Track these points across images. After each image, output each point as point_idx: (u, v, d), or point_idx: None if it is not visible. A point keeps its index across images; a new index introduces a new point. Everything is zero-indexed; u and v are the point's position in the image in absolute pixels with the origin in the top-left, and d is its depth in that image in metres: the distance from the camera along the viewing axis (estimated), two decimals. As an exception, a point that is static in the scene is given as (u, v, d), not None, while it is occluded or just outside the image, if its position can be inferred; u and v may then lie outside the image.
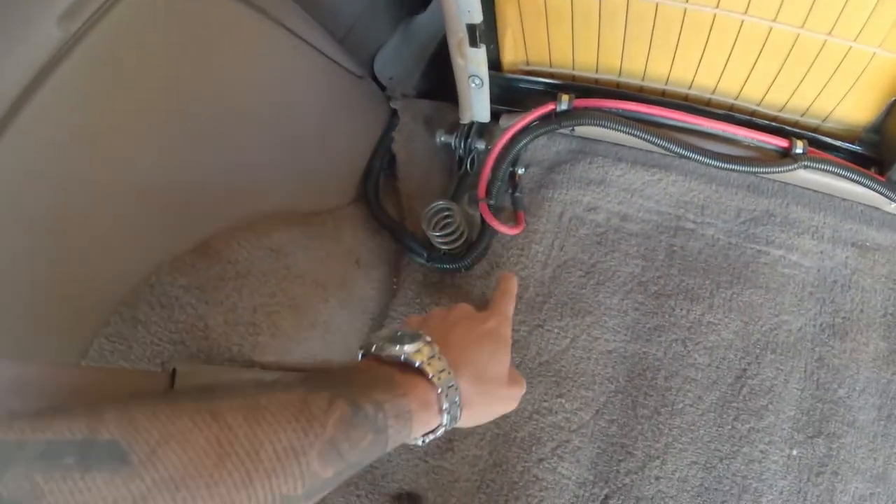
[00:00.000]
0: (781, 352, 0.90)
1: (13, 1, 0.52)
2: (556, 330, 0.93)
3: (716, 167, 0.92)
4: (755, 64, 0.89)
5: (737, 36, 0.85)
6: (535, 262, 0.97)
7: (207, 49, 0.70)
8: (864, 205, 0.99)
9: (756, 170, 0.92)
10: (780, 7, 0.79)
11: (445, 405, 0.49)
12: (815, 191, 1.00)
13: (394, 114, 1.08)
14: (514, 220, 0.99)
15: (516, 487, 0.84)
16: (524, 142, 0.95)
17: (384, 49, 1.12)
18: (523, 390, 0.63)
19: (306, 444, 0.37)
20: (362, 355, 0.52)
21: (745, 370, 0.89)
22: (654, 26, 0.87)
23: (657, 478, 0.84)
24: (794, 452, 0.84)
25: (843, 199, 0.99)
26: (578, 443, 0.86)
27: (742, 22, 0.83)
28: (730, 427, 0.86)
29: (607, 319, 0.93)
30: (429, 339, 0.51)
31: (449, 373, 0.50)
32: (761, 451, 0.84)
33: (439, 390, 0.49)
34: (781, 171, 0.91)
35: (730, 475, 0.83)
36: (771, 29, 0.82)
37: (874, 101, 0.89)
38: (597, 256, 0.97)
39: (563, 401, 0.88)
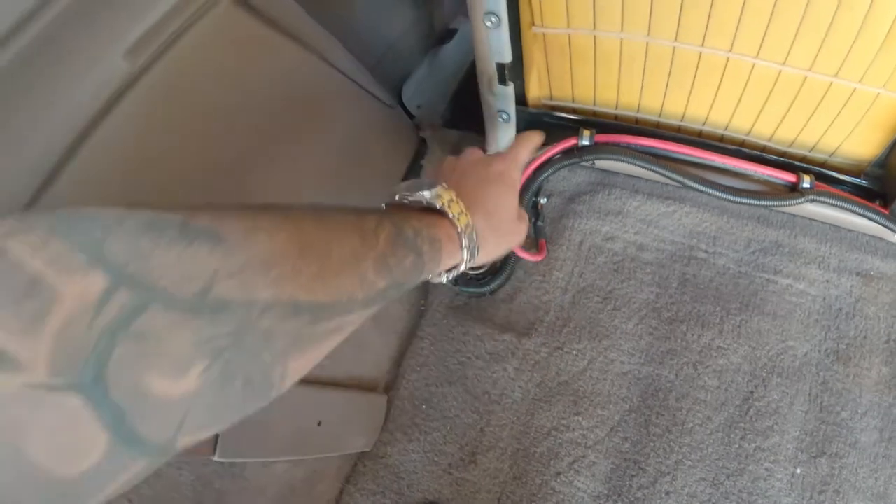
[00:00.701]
0: (787, 376, 0.94)
1: (84, 36, 0.54)
2: (574, 352, 0.98)
3: (727, 200, 0.96)
4: (765, 103, 0.93)
5: (748, 78, 0.89)
6: (556, 287, 1.02)
7: (255, 79, 0.74)
8: (869, 235, 1.03)
9: (766, 203, 0.96)
10: (790, 51, 0.83)
11: (465, 241, 0.53)
12: (821, 222, 1.04)
13: (422, 142, 1.13)
14: (537, 247, 1.03)
15: (535, 499, 0.89)
16: (547, 173, 0.99)
17: (412, 79, 1.17)
18: (528, 225, 0.67)
19: (363, 253, 0.40)
20: (386, 206, 0.54)
21: (752, 392, 0.93)
22: (671, 68, 0.92)
23: (667, 493, 0.88)
24: (798, 471, 0.88)
25: (849, 231, 1.03)
26: (594, 458, 0.91)
27: (753, 65, 0.87)
28: (737, 446, 0.90)
29: (623, 343, 0.98)
30: (445, 185, 0.54)
31: (465, 213, 0.53)
32: (766, 470, 0.88)
33: (459, 228, 0.52)
34: (790, 205, 0.95)
35: (736, 492, 0.87)
36: (780, 71, 0.87)
37: (879, 138, 0.92)
38: (614, 283, 1.02)
39: (581, 418, 0.93)
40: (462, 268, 0.54)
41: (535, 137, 0.74)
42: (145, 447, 0.27)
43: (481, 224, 0.56)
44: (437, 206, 0.52)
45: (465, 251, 0.53)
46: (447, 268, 0.53)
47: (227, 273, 0.30)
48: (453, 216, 0.52)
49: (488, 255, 0.59)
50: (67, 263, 0.25)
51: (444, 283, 0.55)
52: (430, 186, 0.53)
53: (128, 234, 0.28)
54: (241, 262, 0.31)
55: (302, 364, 0.35)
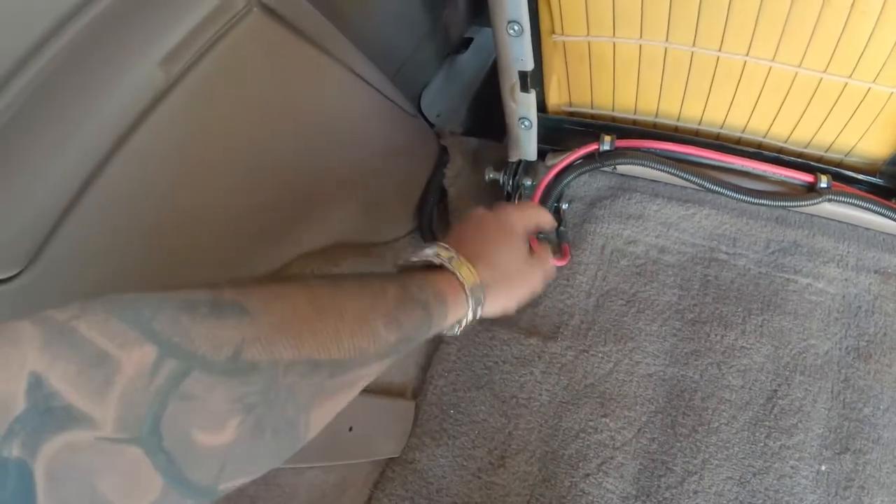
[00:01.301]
0: (810, 374, 0.94)
1: (120, 43, 0.56)
2: (600, 355, 0.99)
3: (746, 202, 0.98)
4: (782, 105, 0.94)
5: (765, 81, 0.91)
6: (580, 291, 1.04)
7: (286, 88, 0.75)
8: (886, 234, 1.04)
9: (784, 204, 0.97)
10: (805, 54, 0.85)
11: (468, 294, 0.55)
12: (839, 221, 1.05)
13: (443, 150, 1.14)
14: (560, 252, 1.05)
15: (564, 501, 0.90)
16: (568, 179, 1.01)
17: (430, 87, 1.18)
18: (546, 265, 0.67)
19: (374, 311, 0.44)
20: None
21: (775, 391, 0.94)
22: (689, 72, 0.93)
23: (695, 492, 0.89)
24: (823, 468, 0.88)
25: (866, 229, 1.04)
26: (622, 459, 0.91)
27: (770, 68, 0.88)
28: (762, 444, 0.90)
29: (647, 345, 0.99)
30: (444, 244, 0.57)
31: (468, 268, 0.55)
32: (792, 467, 0.89)
33: (460, 279, 0.54)
34: (808, 205, 0.96)
35: (762, 489, 0.88)
36: (796, 74, 0.88)
37: (893, 137, 0.93)
38: (637, 286, 1.03)
39: (608, 420, 0.94)
40: (470, 317, 0.56)
41: (543, 215, 0.74)
42: (192, 489, 0.32)
43: (487, 277, 0.57)
44: (437, 263, 0.55)
45: (469, 303, 0.55)
46: (455, 320, 0.55)
47: (253, 338, 0.35)
48: (455, 270, 0.55)
49: (501, 305, 0.61)
50: (125, 339, 0.31)
51: (457, 334, 0.57)
52: (429, 246, 0.56)
53: (170, 311, 0.33)
54: (264, 328, 0.36)
55: (323, 414, 0.40)
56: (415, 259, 0.56)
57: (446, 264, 0.55)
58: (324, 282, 0.44)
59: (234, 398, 0.33)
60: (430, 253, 0.55)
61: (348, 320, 0.41)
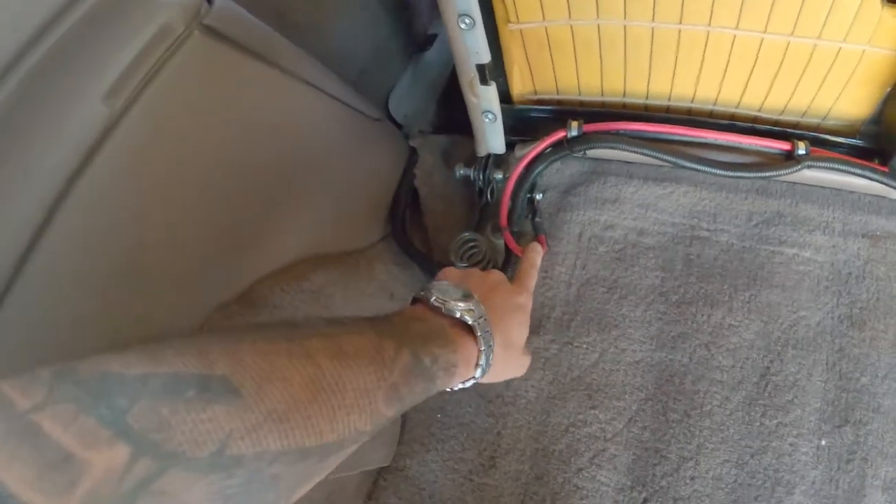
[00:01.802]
0: (802, 347, 0.92)
1: (61, 82, 0.54)
2: (584, 345, 0.97)
3: (724, 176, 0.95)
4: (751, 73, 0.92)
5: (731, 49, 0.89)
6: (560, 282, 1.02)
7: (236, 108, 0.74)
8: (871, 195, 1.01)
9: (763, 174, 0.95)
10: (769, 19, 0.83)
11: (482, 362, 0.53)
12: (821, 187, 1.02)
13: (413, 151, 1.12)
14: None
15: (558, 498, 0.88)
16: (539, 169, 0.99)
17: (396, 88, 1.17)
18: (530, 360, 0.69)
19: (376, 386, 0.41)
20: (413, 301, 0.56)
21: (768, 368, 0.92)
22: (652, 48, 0.91)
23: (692, 478, 0.87)
24: (823, 443, 0.87)
25: (850, 192, 1.02)
26: (614, 451, 0.90)
27: (735, 36, 0.86)
28: (758, 424, 0.89)
29: (632, 331, 0.97)
30: (477, 298, 0.54)
31: (490, 334, 0.54)
32: (791, 445, 0.87)
33: (481, 348, 0.53)
34: (787, 174, 0.94)
35: (762, 470, 0.86)
36: (762, 40, 0.86)
37: (870, 95, 0.91)
38: (618, 272, 1.01)
39: (597, 412, 0.92)
40: (469, 384, 0.55)
41: (538, 257, 0.75)
42: None
43: (498, 349, 0.56)
44: (469, 322, 0.53)
45: (479, 369, 0.54)
46: (454, 387, 0.54)
47: (242, 432, 0.33)
48: (480, 335, 0.53)
49: (490, 379, 0.60)
50: (95, 438, 0.28)
51: (449, 390, 0.55)
52: (465, 298, 0.54)
53: (150, 398, 0.30)
54: (255, 419, 0.33)
55: (304, 491, 0.38)
56: (446, 309, 0.53)
57: (476, 327, 0.53)
58: (328, 344, 0.41)
59: (212, 493, 0.31)
60: (463, 307, 0.53)
61: (348, 399, 0.39)
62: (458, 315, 0.52)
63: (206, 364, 0.34)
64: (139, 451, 0.29)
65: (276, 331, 0.40)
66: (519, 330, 0.62)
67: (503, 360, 0.59)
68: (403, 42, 1.18)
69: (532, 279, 0.71)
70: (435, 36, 1.23)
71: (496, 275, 0.65)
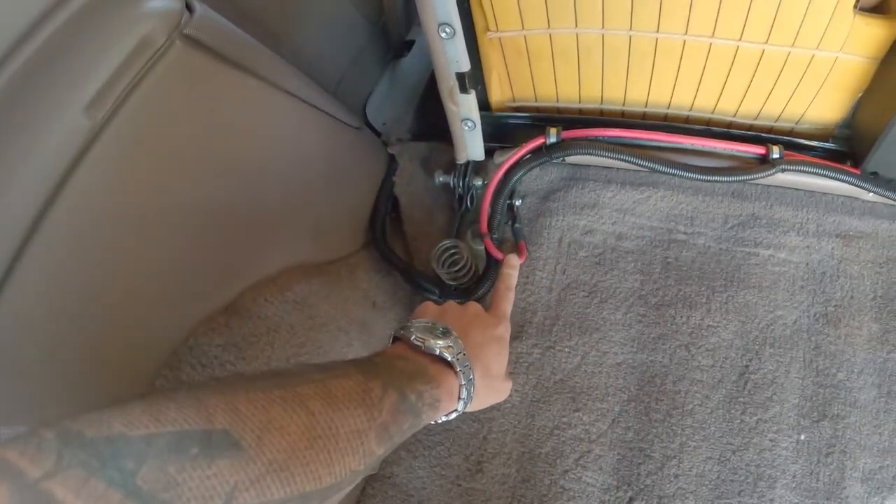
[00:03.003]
0: (780, 345, 0.94)
1: (40, 95, 0.54)
2: (566, 349, 0.98)
3: (701, 180, 0.97)
4: (727, 80, 0.94)
5: (706, 57, 0.90)
6: (541, 287, 1.03)
7: (217, 118, 0.74)
8: (844, 196, 1.03)
9: (738, 178, 0.96)
10: (744, 27, 0.84)
11: (464, 395, 0.55)
12: (795, 189, 1.05)
13: (392, 159, 1.13)
14: (517, 250, 1.03)
15: (546, 500, 0.89)
16: (518, 175, 1.00)
17: (374, 96, 1.17)
18: (511, 385, 0.70)
19: (367, 427, 0.43)
20: (393, 339, 0.58)
21: (747, 366, 0.93)
22: (629, 56, 0.93)
23: (676, 476, 0.88)
24: (803, 437, 0.88)
25: (824, 194, 1.04)
26: (599, 451, 0.91)
27: (710, 44, 0.88)
28: (739, 421, 0.90)
29: (613, 334, 0.98)
30: (455, 335, 0.57)
31: (470, 368, 0.56)
32: (771, 440, 0.88)
33: (462, 382, 0.55)
34: (762, 177, 0.96)
35: (744, 465, 0.88)
36: (738, 48, 0.88)
37: (842, 100, 0.94)
38: (597, 276, 1.02)
39: (581, 414, 0.93)
40: (453, 416, 0.57)
41: (513, 277, 0.77)
42: None
43: (479, 380, 0.58)
44: (448, 359, 0.55)
45: (461, 402, 0.56)
46: (438, 420, 0.56)
47: (247, 484, 0.34)
48: (459, 370, 0.55)
49: (473, 408, 0.61)
50: (106, 502, 0.29)
51: (433, 423, 0.57)
52: (444, 335, 0.56)
53: (157, 458, 0.31)
54: (257, 471, 0.35)
55: None
56: (425, 347, 0.55)
57: (455, 363, 0.55)
58: (318, 390, 0.42)
59: None
60: (442, 345, 0.55)
61: (342, 443, 0.41)
62: (437, 353, 0.54)
63: (206, 418, 0.35)
64: None
65: (268, 380, 0.41)
66: (498, 359, 0.64)
67: (484, 390, 0.61)
68: (381, 49, 1.19)
69: (508, 302, 0.73)
70: (412, 42, 1.23)
71: (472, 307, 0.67)
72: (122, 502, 0.29)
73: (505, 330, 0.67)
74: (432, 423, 0.55)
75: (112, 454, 0.30)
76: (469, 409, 0.59)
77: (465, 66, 0.87)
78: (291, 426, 0.38)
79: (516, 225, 1.05)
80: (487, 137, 1.02)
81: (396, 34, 1.21)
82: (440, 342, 0.55)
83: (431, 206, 1.11)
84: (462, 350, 0.56)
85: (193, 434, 0.33)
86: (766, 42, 0.86)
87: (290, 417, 0.38)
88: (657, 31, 0.88)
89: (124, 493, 0.29)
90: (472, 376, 0.56)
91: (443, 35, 0.82)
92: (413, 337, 0.55)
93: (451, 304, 0.67)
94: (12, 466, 0.28)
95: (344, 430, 0.41)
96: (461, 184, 1.05)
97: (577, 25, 0.89)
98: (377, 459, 0.45)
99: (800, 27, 0.83)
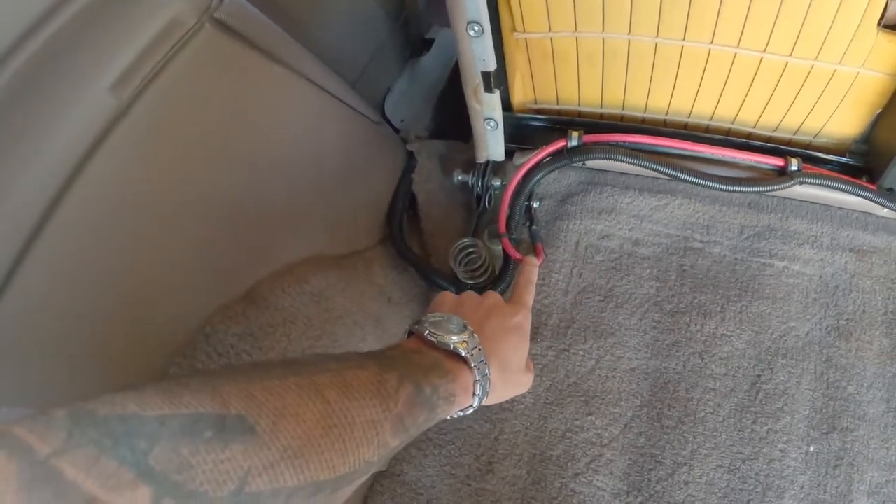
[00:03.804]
0: (792, 356, 0.95)
1: (66, 73, 0.54)
2: (581, 353, 0.98)
3: (719, 190, 0.97)
4: (749, 91, 0.94)
5: (730, 67, 0.91)
6: (557, 290, 1.03)
7: (242, 103, 0.74)
8: (859, 211, 1.04)
9: (757, 189, 0.97)
10: (770, 39, 0.85)
11: (478, 391, 0.54)
12: (811, 203, 1.05)
13: (410, 155, 1.12)
14: (533, 251, 1.04)
15: (556, 503, 0.89)
16: (538, 177, 1.00)
17: (392, 92, 1.17)
18: (533, 376, 0.68)
19: (383, 418, 0.42)
20: (408, 333, 0.57)
21: (759, 376, 0.94)
22: (653, 63, 0.93)
23: (686, 483, 0.88)
24: (812, 449, 0.89)
25: (839, 208, 1.05)
26: (610, 456, 0.91)
27: (735, 55, 0.88)
28: (749, 430, 0.91)
29: (628, 339, 0.98)
30: (471, 328, 0.56)
31: (486, 363, 0.55)
32: (780, 451, 0.89)
33: (477, 377, 0.54)
34: (780, 189, 0.96)
35: (753, 475, 0.88)
36: (762, 59, 0.88)
37: (861, 115, 0.94)
38: (613, 281, 1.03)
39: (593, 418, 0.94)
40: (469, 411, 0.56)
41: (534, 272, 0.76)
42: None
43: (495, 374, 0.57)
44: (462, 354, 0.53)
45: (476, 398, 0.55)
46: (457, 412, 0.55)
47: (260, 469, 0.34)
48: (474, 365, 0.54)
49: (492, 401, 0.60)
50: (117, 481, 0.29)
51: (449, 418, 0.56)
52: (459, 330, 0.55)
53: (170, 439, 0.31)
54: (272, 456, 0.34)
55: None
56: (439, 341, 0.54)
57: (469, 358, 0.54)
58: (335, 379, 0.42)
59: None
60: (456, 340, 0.54)
61: (357, 433, 0.40)
62: (451, 348, 0.53)
63: (221, 403, 0.34)
64: (161, 492, 0.29)
65: (283, 367, 0.41)
66: (516, 352, 0.62)
67: (502, 383, 0.59)
68: (400, 45, 1.19)
69: (529, 295, 0.72)
70: (432, 41, 1.23)
71: (491, 298, 0.66)
72: (133, 481, 0.29)
73: (524, 318, 0.66)
74: (447, 417, 0.54)
75: (125, 433, 0.30)
76: (489, 401, 0.58)
77: (491, 65, 0.87)
78: (307, 413, 0.38)
79: (533, 227, 1.05)
80: (507, 138, 1.02)
81: (416, 31, 1.21)
82: (454, 337, 0.54)
83: (448, 204, 1.11)
84: (477, 345, 0.55)
85: (208, 417, 0.33)
86: (790, 54, 0.87)
87: (306, 405, 0.38)
88: (683, 38, 0.88)
89: (136, 472, 0.29)
90: (487, 372, 0.55)
91: (471, 33, 0.82)
92: (427, 332, 0.54)
93: (469, 295, 0.66)
94: (21, 443, 0.27)
95: (359, 419, 0.40)
96: (480, 183, 1.05)
97: (603, 30, 0.90)
98: (391, 452, 0.44)
99: (824, 41, 0.83)
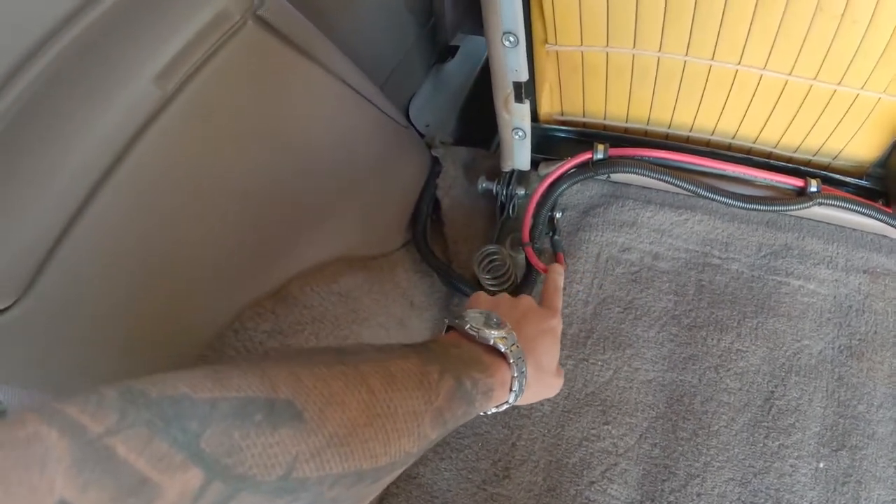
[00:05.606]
0: (805, 374, 0.96)
1: (112, 63, 0.54)
2: (599, 363, 0.99)
3: (739, 207, 0.99)
4: (772, 112, 0.96)
5: (756, 88, 0.92)
6: (577, 300, 1.04)
7: (280, 101, 0.74)
8: (873, 234, 1.06)
9: (776, 208, 0.98)
10: (796, 62, 0.86)
11: (515, 387, 0.55)
12: (827, 223, 1.07)
13: (435, 161, 1.13)
14: (555, 261, 1.04)
15: (571, 509, 0.91)
16: (562, 188, 1.01)
17: (417, 97, 1.18)
18: (563, 381, 0.69)
19: (424, 410, 0.43)
20: (448, 328, 0.58)
21: (772, 392, 0.95)
22: (681, 81, 0.94)
23: (698, 494, 0.89)
24: (821, 465, 0.90)
25: (854, 230, 1.06)
26: (625, 465, 0.92)
27: (761, 76, 0.90)
28: (761, 445, 0.92)
29: (646, 351, 1.00)
30: (509, 326, 0.57)
31: (523, 360, 0.56)
32: (791, 466, 0.90)
33: (514, 374, 0.55)
34: (799, 209, 0.98)
35: (764, 489, 0.89)
36: (787, 81, 0.90)
37: (880, 140, 0.96)
38: (633, 293, 1.04)
39: (610, 427, 0.95)
40: (504, 408, 0.58)
41: (560, 279, 0.78)
42: None
43: (531, 373, 0.58)
44: (502, 350, 0.55)
45: (513, 394, 0.56)
46: (489, 411, 0.56)
47: (307, 455, 0.34)
48: (513, 361, 0.55)
49: (523, 401, 0.61)
50: (169, 463, 0.29)
51: (484, 414, 0.57)
52: (498, 326, 0.56)
53: (221, 422, 0.31)
54: (319, 443, 0.35)
55: None
56: (481, 336, 0.55)
57: (508, 354, 0.55)
58: (378, 369, 0.42)
59: None
60: (496, 335, 0.55)
61: (399, 423, 0.41)
62: (491, 342, 0.55)
63: (270, 387, 0.35)
64: (212, 474, 0.30)
65: (328, 354, 0.42)
66: (549, 354, 0.64)
67: (536, 383, 0.61)
68: (426, 51, 1.20)
69: (559, 300, 0.73)
70: (457, 48, 1.24)
71: (525, 300, 0.67)
72: (184, 463, 0.29)
73: (557, 323, 0.67)
74: (483, 413, 0.55)
75: (176, 414, 0.30)
76: (519, 402, 0.59)
77: (523, 75, 0.88)
78: (352, 402, 0.38)
79: (555, 237, 1.07)
80: (532, 148, 1.03)
81: (442, 38, 1.22)
82: (494, 332, 0.55)
83: (472, 211, 1.12)
84: (515, 342, 0.56)
85: (258, 401, 0.33)
86: (815, 78, 0.88)
87: (352, 393, 0.38)
88: (712, 58, 0.90)
89: (187, 454, 0.29)
90: (524, 368, 0.56)
91: (506, 44, 0.83)
92: (468, 326, 0.55)
93: (505, 297, 0.67)
94: (73, 422, 0.27)
95: (402, 410, 0.41)
96: (504, 192, 1.06)
97: (634, 46, 0.91)
98: (429, 444, 0.45)
99: (848, 66, 0.85)
